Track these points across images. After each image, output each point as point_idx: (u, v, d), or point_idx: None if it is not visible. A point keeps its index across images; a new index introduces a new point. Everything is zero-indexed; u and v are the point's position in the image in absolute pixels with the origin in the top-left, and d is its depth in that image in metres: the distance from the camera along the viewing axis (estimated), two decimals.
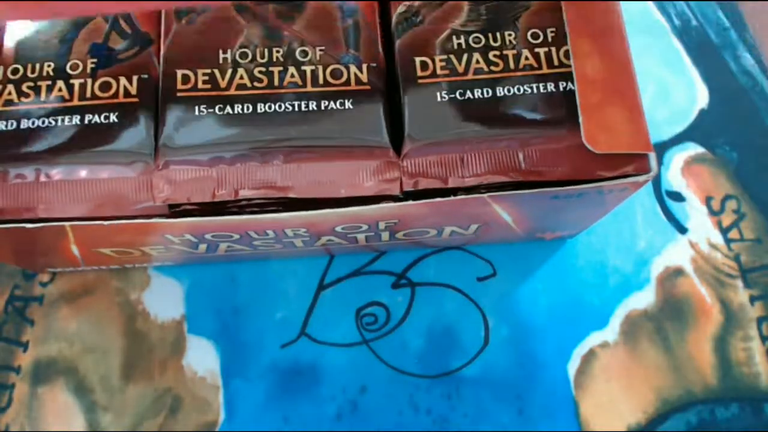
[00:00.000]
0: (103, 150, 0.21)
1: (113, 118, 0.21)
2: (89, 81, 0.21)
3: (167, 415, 0.27)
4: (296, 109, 0.21)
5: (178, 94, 0.21)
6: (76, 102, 0.21)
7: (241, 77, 0.21)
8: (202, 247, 0.24)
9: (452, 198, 0.21)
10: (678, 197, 0.30)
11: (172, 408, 0.27)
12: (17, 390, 0.27)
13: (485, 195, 0.21)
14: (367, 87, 0.21)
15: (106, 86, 0.21)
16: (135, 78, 0.21)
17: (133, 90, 0.21)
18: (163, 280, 0.29)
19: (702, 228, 0.30)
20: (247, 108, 0.21)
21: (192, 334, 0.28)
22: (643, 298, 0.29)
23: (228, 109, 0.21)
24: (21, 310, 0.28)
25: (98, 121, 0.21)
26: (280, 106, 0.21)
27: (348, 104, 0.21)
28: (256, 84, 0.21)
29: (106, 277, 0.29)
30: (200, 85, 0.21)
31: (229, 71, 0.21)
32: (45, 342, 0.28)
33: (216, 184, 0.20)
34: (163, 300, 0.28)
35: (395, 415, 0.27)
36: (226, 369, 0.28)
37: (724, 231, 0.30)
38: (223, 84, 0.21)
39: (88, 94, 0.21)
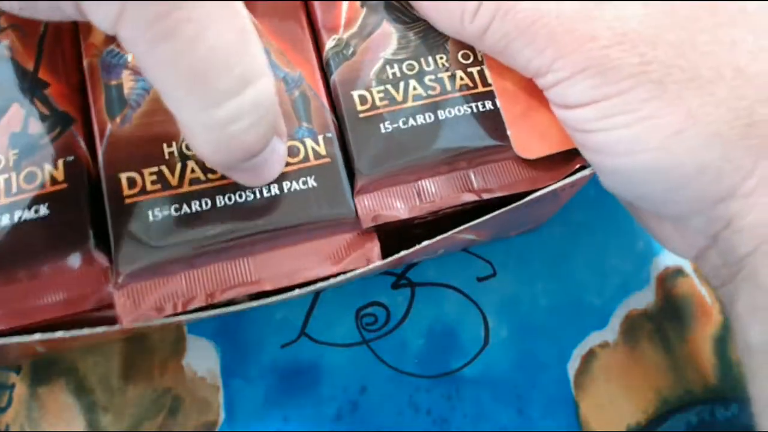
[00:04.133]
0: (41, 249, 0.19)
1: (43, 210, 0.19)
2: (14, 175, 0.19)
3: (167, 415, 0.27)
4: (257, 196, 0.20)
5: (127, 201, 0.19)
6: (2, 200, 0.19)
7: (193, 170, 0.20)
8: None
9: (425, 244, 0.20)
10: None
11: (171, 408, 0.27)
12: (17, 390, 0.27)
13: (457, 233, 0.20)
14: (327, 160, 0.20)
15: (31, 177, 0.19)
16: (60, 162, 0.19)
17: (60, 176, 0.19)
18: None
19: None
20: (206, 203, 0.19)
21: (192, 334, 0.28)
22: (643, 298, 0.29)
23: (185, 208, 0.19)
24: None
25: (28, 216, 0.19)
26: (240, 196, 0.20)
27: (311, 182, 0.20)
28: (210, 175, 0.20)
29: None
30: (149, 187, 0.19)
31: (178, 165, 0.20)
32: None
33: (186, 293, 0.19)
34: None
35: (395, 416, 0.27)
36: (226, 369, 0.28)
37: None
38: (173, 181, 0.19)
39: (14, 189, 0.19)
